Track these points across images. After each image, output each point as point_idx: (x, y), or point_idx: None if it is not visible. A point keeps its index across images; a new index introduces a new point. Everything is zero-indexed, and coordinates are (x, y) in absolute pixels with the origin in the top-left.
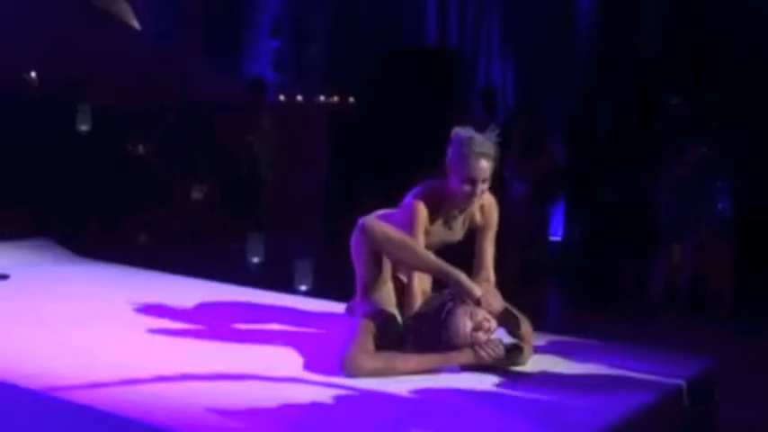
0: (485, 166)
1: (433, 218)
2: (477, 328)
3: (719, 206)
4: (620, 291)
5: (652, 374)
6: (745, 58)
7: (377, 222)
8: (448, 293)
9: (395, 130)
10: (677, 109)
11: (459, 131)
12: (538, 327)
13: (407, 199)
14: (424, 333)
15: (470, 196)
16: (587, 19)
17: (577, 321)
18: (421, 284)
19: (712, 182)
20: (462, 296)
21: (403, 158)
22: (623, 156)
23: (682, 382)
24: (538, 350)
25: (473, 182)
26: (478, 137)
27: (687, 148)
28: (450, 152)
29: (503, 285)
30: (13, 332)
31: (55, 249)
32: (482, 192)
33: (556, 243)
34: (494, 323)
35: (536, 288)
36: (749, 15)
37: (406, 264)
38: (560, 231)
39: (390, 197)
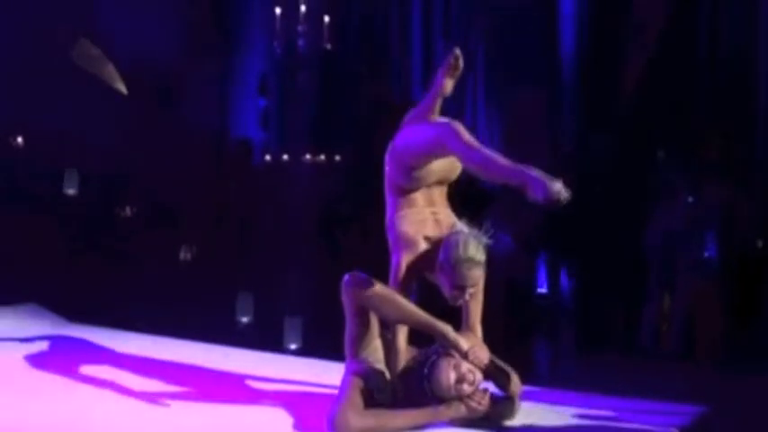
0: (476, 275)
1: (419, 270)
2: (460, 380)
3: (707, 254)
4: (609, 339)
5: (645, 424)
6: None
7: (362, 277)
8: (434, 347)
9: (382, 187)
10: (664, 161)
11: (452, 234)
12: (527, 379)
13: (394, 256)
14: (411, 388)
15: (457, 299)
16: (571, 71)
17: (567, 372)
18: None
19: (700, 230)
20: (449, 349)
21: None
22: (611, 205)
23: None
24: (528, 402)
25: (462, 289)
26: (471, 242)
27: (674, 198)
28: (441, 254)
29: (490, 338)
30: (1, 400)
31: (40, 314)
32: (469, 296)
33: (543, 295)
34: (479, 375)
35: (524, 340)
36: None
37: (391, 318)
38: (547, 283)
39: (379, 253)
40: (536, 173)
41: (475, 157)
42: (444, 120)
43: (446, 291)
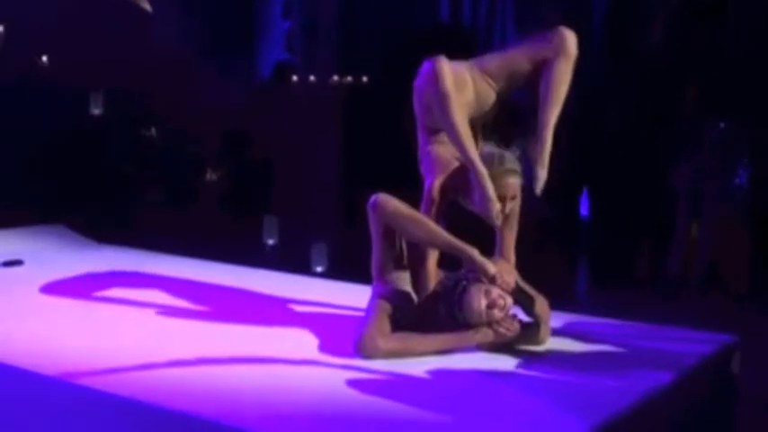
0: (513, 182)
1: (452, 192)
2: (491, 305)
3: (736, 182)
4: (637, 270)
5: (671, 352)
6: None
7: (389, 198)
8: (463, 272)
9: (409, 110)
10: (694, 90)
11: (484, 149)
12: (555, 306)
13: (427, 178)
14: (439, 313)
15: (498, 214)
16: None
17: (595, 301)
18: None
19: (729, 159)
20: (477, 274)
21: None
22: (640, 135)
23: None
24: (555, 329)
25: (502, 199)
26: (508, 154)
27: (704, 126)
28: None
29: (522, 267)
30: (28, 318)
31: (68, 235)
32: (509, 210)
33: (574, 223)
34: (509, 300)
35: (550, 268)
36: None
37: (418, 240)
38: (576, 213)
39: (406, 177)
40: (489, 185)
41: (447, 129)
42: (439, 69)
43: (484, 206)
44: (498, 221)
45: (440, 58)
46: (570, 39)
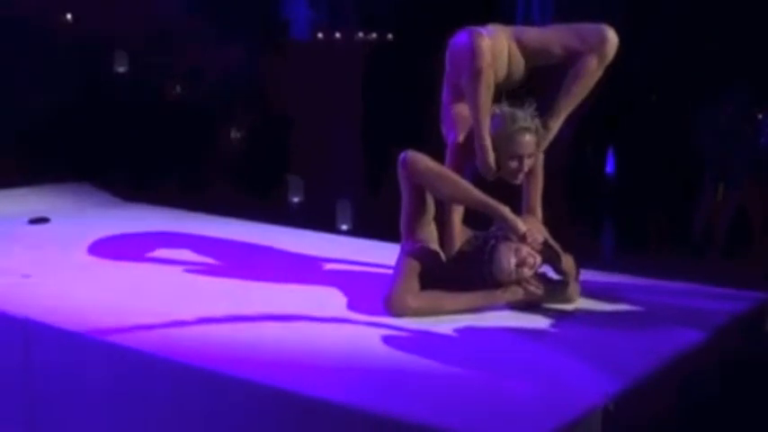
0: (529, 140)
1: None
2: (521, 264)
3: (762, 141)
4: (663, 230)
5: (703, 311)
6: None
7: (420, 155)
8: (492, 231)
9: (434, 68)
10: (715, 51)
11: (498, 109)
12: (584, 265)
13: (450, 135)
14: (468, 271)
15: (517, 172)
16: None
17: (621, 260)
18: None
19: (753, 120)
20: (505, 231)
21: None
22: (665, 96)
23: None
24: (584, 288)
25: (520, 158)
26: (519, 113)
27: (727, 88)
28: (492, 130)
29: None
30: (56, 275)
31: (93, 193)
32: (528, 167)
33: (600, 183)
34: (538, 259)
35: (577, 228)
36: None
37: (449, 197)
38: (602, 174)
39: (430, 135)
40: (490, 156)
41: (470, 105)
42: (478, 45)
43: (502, 166)
44: (491, 177)
45: (481, 35)
46: (610, 41)
